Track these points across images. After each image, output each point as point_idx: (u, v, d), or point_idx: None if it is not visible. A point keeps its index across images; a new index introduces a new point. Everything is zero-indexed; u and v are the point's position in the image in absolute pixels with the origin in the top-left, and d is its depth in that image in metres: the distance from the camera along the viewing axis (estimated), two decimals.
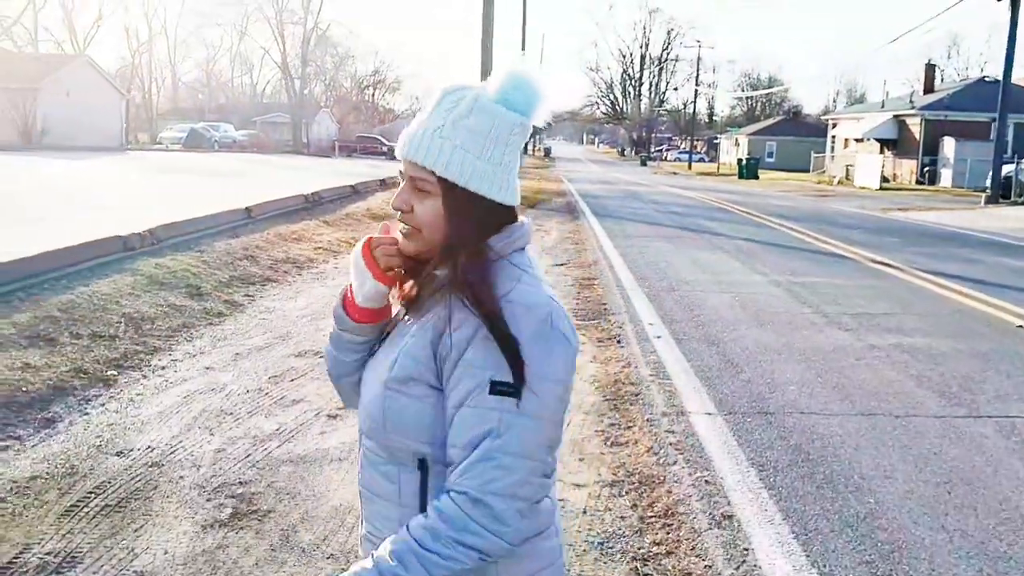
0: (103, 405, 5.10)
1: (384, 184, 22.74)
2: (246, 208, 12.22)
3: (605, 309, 8.19)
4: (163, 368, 5.87)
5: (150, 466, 4.21)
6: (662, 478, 4.13)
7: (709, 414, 5.08)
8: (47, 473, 4.07)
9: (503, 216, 1.41)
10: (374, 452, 1.43)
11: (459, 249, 1.36)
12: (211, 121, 58.84)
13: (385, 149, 59.34)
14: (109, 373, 5.67)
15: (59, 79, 37.26)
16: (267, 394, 5.38)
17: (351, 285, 1.49)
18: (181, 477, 4.08)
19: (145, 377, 5.66)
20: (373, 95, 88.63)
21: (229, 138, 52.56)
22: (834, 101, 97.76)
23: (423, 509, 1.34)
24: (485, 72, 23.50)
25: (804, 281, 10.04)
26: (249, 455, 4.36)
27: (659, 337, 7.03)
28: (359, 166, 36.46)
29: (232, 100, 79.37)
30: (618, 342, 6.89)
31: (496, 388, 1.29)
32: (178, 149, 46.27)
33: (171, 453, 4.37)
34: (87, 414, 4.92)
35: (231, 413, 5.00)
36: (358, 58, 78.48)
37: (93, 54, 58.12)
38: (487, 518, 1.27)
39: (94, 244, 8.50)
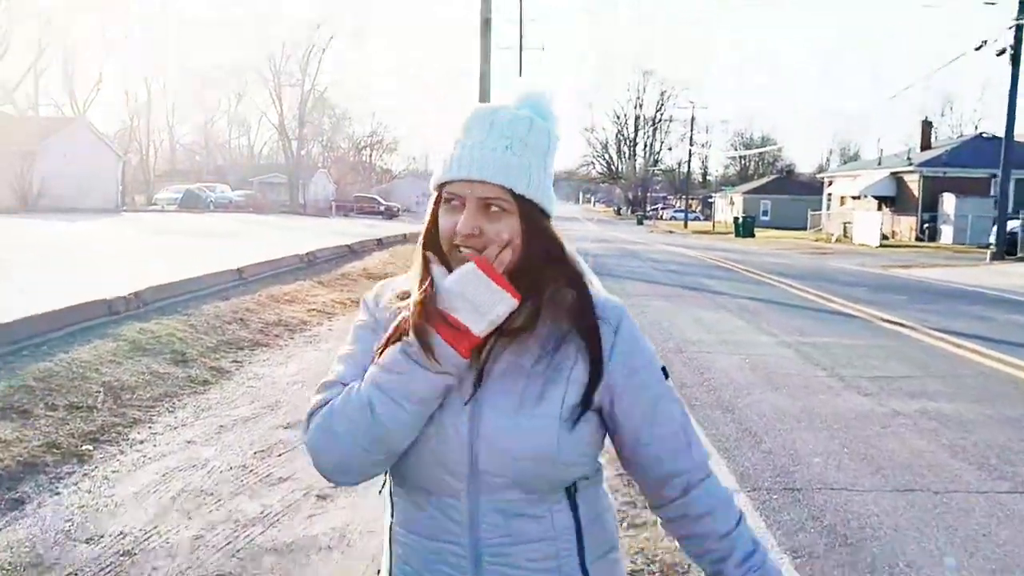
0: (76, 484, 4.70)
1: (381, 243, 22.52)
2: (237, 269, 11.91)
3: None
4: (142, 442, 5.47)
5: (121, 555, 3.81)
6: (686, 567, 3.73)
7: (732, 490, 4.68)
8: (10, 564, 3.68)
9: None
10: (517, 500, 1.35)
11: (564, 264, 1.40)
12: (207, 182, 58.99)
13: (382, 208, 59.51)
14: (84, 448, 5.28)
15: (57, 142, 37.27)
16: (252, 471, 4.99)
17: (447, 321, 1.31)
18: (154, 569, 3.68)
19: (122, 452, 5.27)
20: (370, 155, 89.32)
21: (225, 199, 52.57)
22: (827, 159, 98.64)
23: (579, 533, 1.39)
24: None
25: (814, 341, 9.69)
26: (230, 543, 3.96)
27: None
28: (356, 226, 36.34)
29: (229, 161, 79.80)
30: None
31: (665, 373, 1.45)
32: (174, 210, 46.18)
33: (145, 540, 3.97)
34: (58, 494, 4.53)
35: (212, 493, 4.60)
36: (355, 119, 79.14)
37: (93, 117, 58.65)
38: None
39: (78, 308, 8.15)
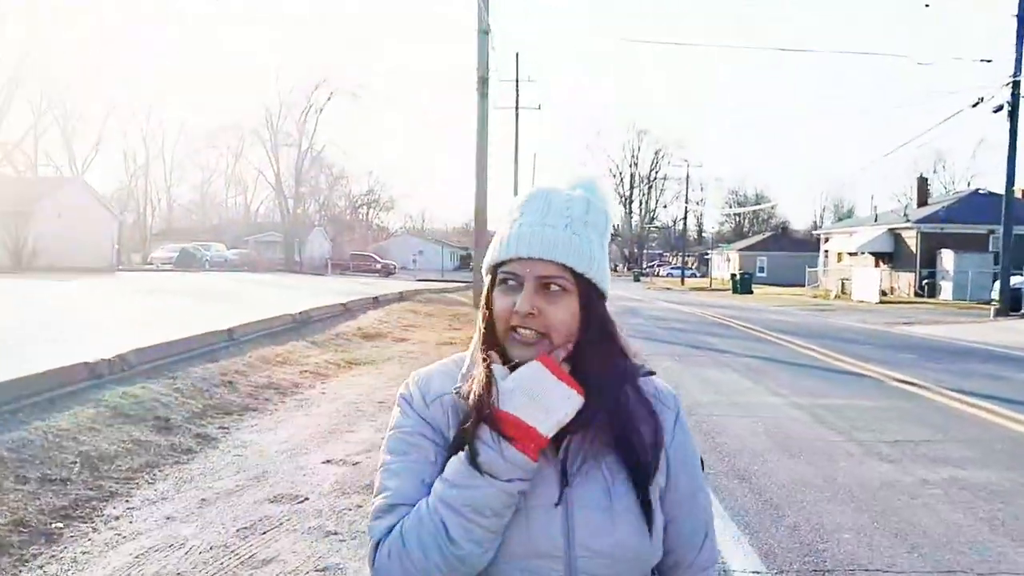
0: (41, 568, 4.30)
1: (377, 301, 22.19)
2: (227, 329, 11.55)
3: None
4: (117, 519, 5.07)
5: None
6: None
7: (757, 574, 4.29)
8: None
9: None
10: None
11: (617, 345, 1.37)
12: (203, 241, 58.93)
13: (379, 266, 59.49)
14: (54, 526, 4.87)
15: (52, 202, 37.20)
16: (234, 552, 4.58)
17: (512, 424, 1.23)
18: None
19: (95, 530, 4.86)
20: (367, 214, 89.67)
21: (221, 257, 52.46)
22: (821, 216, 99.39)
23: None
24: (481, 194, 23.51)
25: (827, 403, 9.31)
26: None
27: None
28: (352, 284, 36.08)
29: (226, 220, 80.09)
30: None
31: (701, 463, 1.46)
32: (169, 269, 45.99)
33: None
34: None
35: None
36: (352, 178, 79.46)
37: (92, 178, 58.89)
38: None
39: (58, 372, 7.77)
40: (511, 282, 1.30)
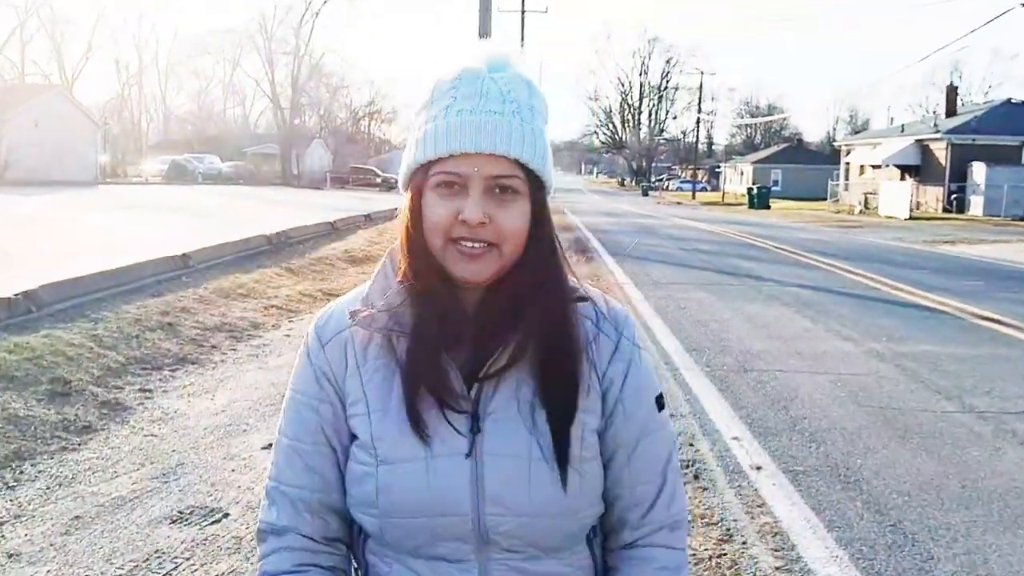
0: None
1: (369, 219, 20.31)
2: (183, 255, 9.71)
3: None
4: None
5: None
6: None
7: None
8: None
9: None
10: (530, 561, 1.14)
11: (559, 258, 1.16)
12: (198, 153, 56.52)
13: (379, 180, 57.22)
14: None
15: (28, 110, 34.88)
16: None
17: None
18: None
19: None
20: (369, 126, 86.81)
21: (215, 170, 50.18)
22: (834, 128, 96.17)
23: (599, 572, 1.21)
24: None
25: (912, 351, 7.49)
26: None
27: (759, 469, 4.48)
28: (349, 199, 34.19)
29: (224, 131, 77.42)
30: (696, 478, 4.36)
31: (659, 403, 1.21)
32: (158, 182, 43.91)
33: None
34: None
35: None
36: (353, 88, 76.25)
37: (83, 87, 56.30)
38: (684, 543, 1.22)
39: None
40: (455, 185, 1.08)
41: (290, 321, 8.44)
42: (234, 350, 7.12)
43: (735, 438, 4.98)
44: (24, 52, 65.99)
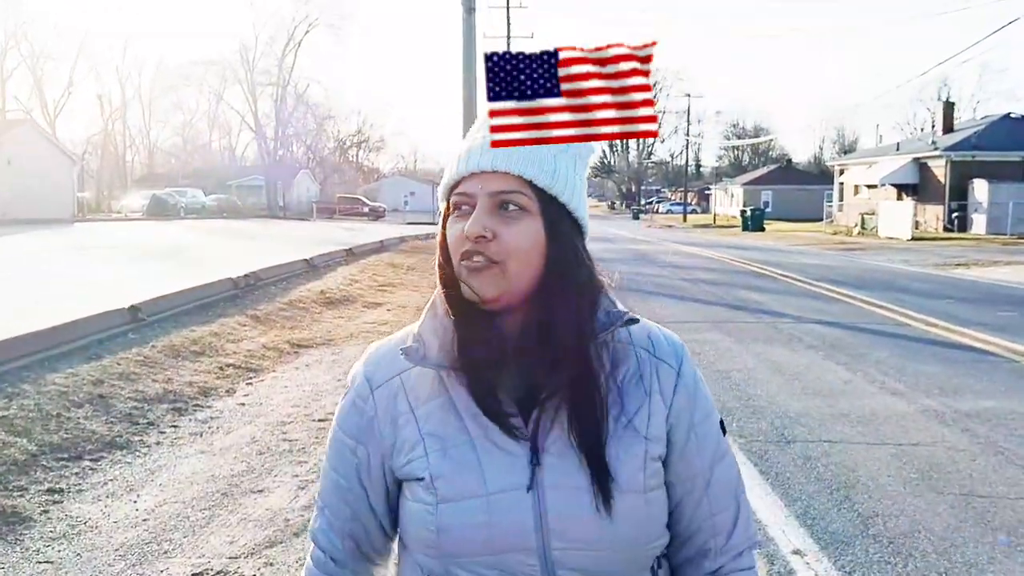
0: None
1: (352, 253, 19.17)
2: (130, 307, 8.56)
3: None
4: None
5: None
6: None
7: None
8: None
9: None
10: None
11: (581, 282, 1.10)
12: (183, 186, 55.36)
13: (367, 210, 56.21)
14: None
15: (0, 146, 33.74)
16: None
17: None
18: None
19: None
20: (356, 155, 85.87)
21: (198, 203, 49.03)
22: (821, 148, 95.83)
23: None
24: (469, 125, 20.38)
25: (974, 409, 6.39)
26: None
27: None
28: (335, 230, 33.11)
29: (208, 164, 76.42)
30: None
31: (723, 427, 1.20)
32: (138, 218, 42.72)
33: None
34: None
35: None
36: (340, 118, 75.34)
37: (65, 123, 55.19)
38: (755, 562, 1.20)
39: None
40: (464, 206, 1.10)
41: (248, 383, 7.31)
42: (175, 427, 5.98)
43: (796, 552, 3.86)
44: (4, 88, 65.15)
